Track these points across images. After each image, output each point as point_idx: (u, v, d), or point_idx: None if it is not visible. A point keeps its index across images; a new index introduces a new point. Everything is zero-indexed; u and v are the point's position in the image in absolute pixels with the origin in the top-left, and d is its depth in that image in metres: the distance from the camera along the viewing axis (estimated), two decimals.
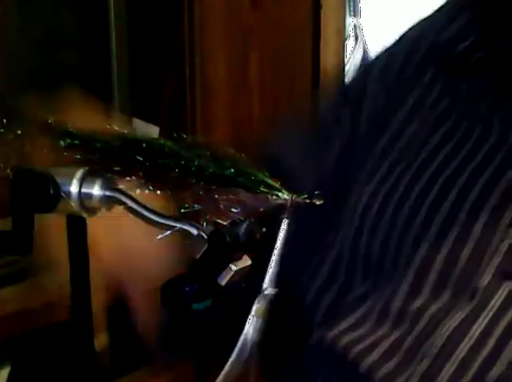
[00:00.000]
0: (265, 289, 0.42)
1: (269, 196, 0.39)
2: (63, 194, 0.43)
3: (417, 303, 0.63)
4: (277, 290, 0.42)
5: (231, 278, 0.41)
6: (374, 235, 0.67)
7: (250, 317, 0.42)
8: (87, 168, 0.44)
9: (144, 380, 1.64)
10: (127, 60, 1.66)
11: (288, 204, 0.40)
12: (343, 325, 0.66)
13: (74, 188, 0.43)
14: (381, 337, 0.64)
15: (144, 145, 0.42)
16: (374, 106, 0.73)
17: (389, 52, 0.75)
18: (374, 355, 0.63)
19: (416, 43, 0.73)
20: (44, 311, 1.35)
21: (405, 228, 0.65)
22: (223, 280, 0.41)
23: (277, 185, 0.40)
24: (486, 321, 0.60)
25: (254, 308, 0.42)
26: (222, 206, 0.40)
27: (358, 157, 0.71)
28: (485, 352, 0.59)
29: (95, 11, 1.67)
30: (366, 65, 0.81)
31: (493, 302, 0.60)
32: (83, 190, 0.44)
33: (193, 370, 1.77)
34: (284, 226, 0.41)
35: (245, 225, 0.41)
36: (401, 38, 0.76)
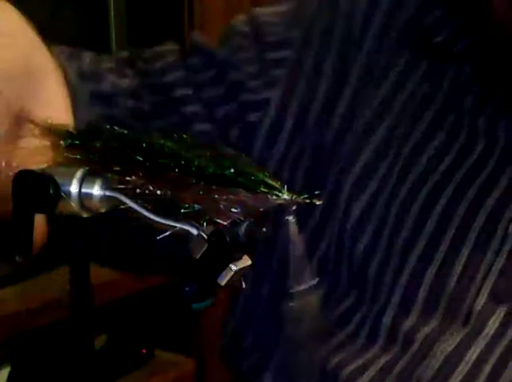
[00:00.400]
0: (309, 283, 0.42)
1: (269, 196, 0.39)
2: (63, 194, 0.43)
3: (409, 323, 0.61)
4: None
5: (231, 278, 0.41)
6: (359, 239, 0.65)
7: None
8: (87, 168, 0.44)
9: (144, 380, 1.64)
10: None
11: (288, 205, 0.40)
12: (333, 342, 0.65)
13: (74, 188, 0.43)
14: (371, 358, 0.63)
15: (144, 145, 0.42)
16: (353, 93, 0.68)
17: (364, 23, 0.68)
18: (365, 378, 0.62)
19: (390, 20, 0.67)
20: (44, 311, 1.35)
21: (391, 239, 0.64)
22: (223, 280, 0.41)
23: (277, 185, 0.40)
24: (481, 347, 0.59)
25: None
26: (222, 206, 0.40)
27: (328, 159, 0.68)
28: (482, 378, 0.59)
29: (95, 11, 1.67)
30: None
31: (487, 328, 0.59)
32: (83, 190, 0.44)
33: (193, 369, 1.77)
34: (291, 226, 0.41)
35: (245, 225, 0.41)
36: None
